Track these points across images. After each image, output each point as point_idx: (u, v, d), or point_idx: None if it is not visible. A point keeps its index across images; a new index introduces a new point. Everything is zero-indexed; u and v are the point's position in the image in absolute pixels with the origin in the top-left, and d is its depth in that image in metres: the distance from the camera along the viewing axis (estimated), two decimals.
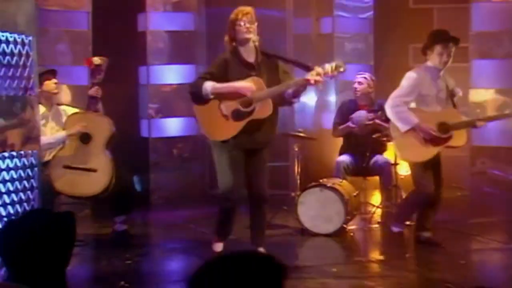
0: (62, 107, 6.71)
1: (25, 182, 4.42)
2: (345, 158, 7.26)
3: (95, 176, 6.28)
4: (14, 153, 4.29)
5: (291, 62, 6.07)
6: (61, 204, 6.71)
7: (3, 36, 4.15)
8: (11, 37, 4.30)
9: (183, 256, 6.40)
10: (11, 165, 4.24)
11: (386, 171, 7.19)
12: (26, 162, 4.37)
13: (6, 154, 4.21)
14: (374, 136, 7.00)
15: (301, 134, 7.12)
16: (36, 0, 7.96)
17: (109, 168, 6.28)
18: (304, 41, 9.07)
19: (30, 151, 4.48)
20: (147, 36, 8.50)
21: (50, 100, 6.56)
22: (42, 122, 6.25)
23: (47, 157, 6.20)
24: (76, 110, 6.62)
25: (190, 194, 8.60)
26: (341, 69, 5.41)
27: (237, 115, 5.62)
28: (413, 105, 6.22)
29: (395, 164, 7.30)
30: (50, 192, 6.06)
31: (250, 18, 5.66)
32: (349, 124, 7.18)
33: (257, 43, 5.68)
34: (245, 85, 5.56)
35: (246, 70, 5.65)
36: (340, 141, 7.51)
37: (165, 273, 5.89)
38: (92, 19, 8.34)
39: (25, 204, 4.41)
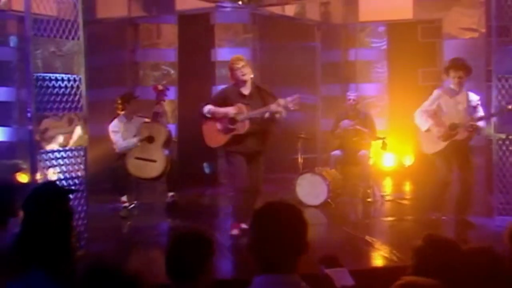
0: (139, 118, 8.61)
1: (74, 166, 6.40)
2: (336, 152, 9.37)
3: (155, 165, 8.21)
4: (67, 148, 6.34)
5: (265, 91, 7.10)
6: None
7: (64, 76, 6.35)
8: (66, 77, 6.36)
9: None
10: (64, 155, 6.31)
11: (364, 162, 9.09)
12: (76, 154, 6.44)
13: (61, 149, 6.25)
14: (354, 139, 9.07)
15: (302, 136, 9.12)
16: (138, 41, 10.64)
17: (164, 160, 8.21)
18: (331, 67, 11.16)
19: (78, 146, 6.46)
20: (216, 65, 10.86)
21: (131, 113, 8.54)
22: (124, 128, 8.44)
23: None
24: (147, 120, 8.44)
25: None
26: (293, 107, 6.75)
27: (225, 130, 6.98)
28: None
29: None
30: (125, 174, 8.25)
31: (243, 64, 6.92)
32: (338, 129, 9.28)
33: (252, 77, 7.02)
34: (229, 109, 6.89)
35: (241, 99, 6.91)
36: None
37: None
38: (178, 54, 10.83)
39: (75, 179, 6.45)
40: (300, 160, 9.07)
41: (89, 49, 10.29)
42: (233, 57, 7.14)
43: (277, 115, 6.82)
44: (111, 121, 8.65)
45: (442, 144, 7.40)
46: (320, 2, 10.50)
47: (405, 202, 9.05)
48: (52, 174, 6.22)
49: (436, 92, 7.61)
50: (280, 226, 2.77)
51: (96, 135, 8.94)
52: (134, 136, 8.38)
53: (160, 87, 8.47)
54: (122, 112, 8.60)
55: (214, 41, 10.86)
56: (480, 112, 7.47)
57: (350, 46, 11.33)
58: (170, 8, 9.67)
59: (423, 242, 3.39)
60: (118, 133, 8.53)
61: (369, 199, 8.73)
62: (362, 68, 11.28)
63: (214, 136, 7.10)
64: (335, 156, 9.32)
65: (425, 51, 10.81)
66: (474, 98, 7.47)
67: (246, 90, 6.99)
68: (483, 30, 9.41)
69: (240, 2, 8.74)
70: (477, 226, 7.34)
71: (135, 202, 8.66)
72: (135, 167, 8.28)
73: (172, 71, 10.79)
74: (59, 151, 6.34)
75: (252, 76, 7.06)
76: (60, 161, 6.37)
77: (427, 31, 10.95)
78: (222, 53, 10.83)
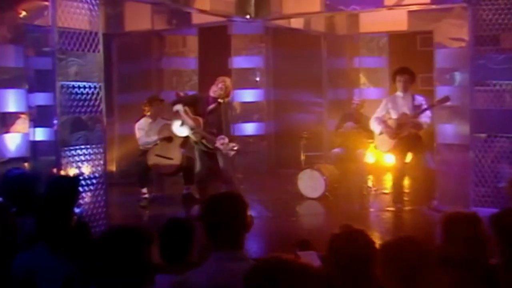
0: (162, 119, 9.39)
1: (95, 161, 7.23)
2: (337, 150, 10.16)
3: (172, 162, 9.09)
4: (88, 146, 7.23)
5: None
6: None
7: (86, 84, 7.22)
8: (88, 84, 7.24)
9: None
10: (86, 152, 7.18)
11: (360, 159, 9.75)
12: (96, 151, 7.28)
13: (82, 147, 7.16)
14: (353, 138, 9.85)
15: (305, 135, 9.92)
16: (163, 50, 11.58)
17: (180, 158, 9.07)
18: (337, 73, 11.99)
19: (98, 145, 7.33)
20: (233, 71, 11.75)
21: (155, 115, 9.46)
22: (148, 127, 9.29)
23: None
24: (168, 122, 9.10)
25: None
26: (235, 148, 7.92)
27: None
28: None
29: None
30: (146, 169, 9.16)
31: (222, 85, 8.07)
32: (342, 128, 10.09)
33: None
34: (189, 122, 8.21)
35: (202, 111, 8.15)
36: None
37: None
38: (198, 62, 11.82)
39: (95, 173, 7.25)
40: (302, 157, 9.87)
41: (119, 58, 11.42)
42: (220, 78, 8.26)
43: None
44: (138, 120, 9.54)
45: (392, 142, 8.46)
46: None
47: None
48: (73, 169, 7.14)
49: (384, 100, 8.79)
50: (225, 211, 3.27)
51: (125, 134, 9.92)
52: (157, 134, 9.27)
53: (181, 93, 9.19)
54: (148, 113, 9.48)
55: (231, 50, 11.78)
56: (426, 112, 8.40)
57: (354, 54, 12.11)
58: (188, 21, 10.56)
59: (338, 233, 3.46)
60: (142, 130, 9.40)
61: (363, 193, 9.45)
62: (365, 74, 12.05)
63: None
64: (336, 153, 10.11)
65: (424, 59, 11.40)
66: (419, 99, 8.51)
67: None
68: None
69: (248, 17, 9.53)
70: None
71: (154, 193, 9.55)
72: (155, 163, 9.15)
73: (194, 77, 11.71)
74: (80, 148, 7.27)
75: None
76: (82, 157, 7.29)
77: (425, 41, 11.59)
78: (238, 61, 11.76)
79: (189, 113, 8.11)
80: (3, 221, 4.23)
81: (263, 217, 8.50)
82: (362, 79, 11.94)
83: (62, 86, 7.09)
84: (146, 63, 11.87)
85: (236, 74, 11.74)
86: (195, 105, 8.11)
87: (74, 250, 3.96)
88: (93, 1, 7.35)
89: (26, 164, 9.24)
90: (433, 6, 8.98)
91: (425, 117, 8.45)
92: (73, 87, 7.20)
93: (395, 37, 11.94)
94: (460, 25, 9.81)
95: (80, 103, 7.22)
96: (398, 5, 8.92)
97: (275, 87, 11.97)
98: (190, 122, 8.11)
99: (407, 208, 8.73)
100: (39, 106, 9.97)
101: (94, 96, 7.36)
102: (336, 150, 10.19)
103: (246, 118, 11.88)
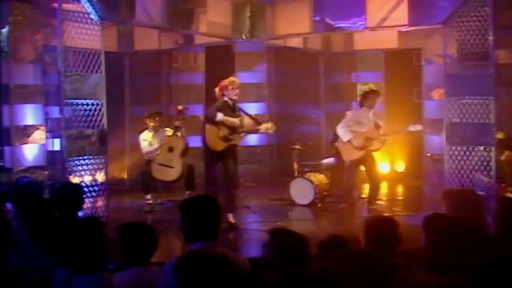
0: (164, 130, 10.13)
1: (97, 171, 8.12)
2: (330, 160, 10.79)
3: (173, 170, 9.76)
4: (91, 157, 8.07)
5: (249, 116, 8.61)
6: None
7: (88, 101, 8.06)
8: (90, 102, 8.00)
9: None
10: (88, 162, 8.04)
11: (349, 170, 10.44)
12: (98, 161, 8.14)
13: (86, 157, 7.99)
14: None
15: (297, 147, 10.62)
16: (172, 66, 12.40)
17: (181, 167, 9.69)
18: (336, 87, 12.66)
19: (100, 156, 8.11)
20: None
21: (157, 126, 10.12)
22: (151, 139, 10.03)
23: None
24: (169, 132, 9.91)
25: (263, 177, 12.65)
26: (271, 131, 8.50)
27: (225, 139, 8.32)
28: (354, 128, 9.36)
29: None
30: (149, 177, 9.89)
31: (237, 86, 8.42)
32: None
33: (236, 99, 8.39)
34: (236, 121, 8.35)
35: (231, 113, 8.35)
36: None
37: None
38: (205, 77, 12.59)
39: (97, 181, 8.13)
40: (295, 166, 10.59)
41: (131, 74, 12.30)
42: (231, 79, 8.57)
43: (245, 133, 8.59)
44: (142, 131, 10.33)
45: (358, 153, 9.22)
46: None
47: (381, 202, 10.32)
48: (75, 178, 7.97)
49: (351, 113, 9.60)
50: (200, 211, 4.04)
51: (136, 144, 10.69)
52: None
53: (179, 107, 9.95)
54: (151, 125, 10.25)
55: (235, 66, 12.53)
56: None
57: (352, 69, 12.82)
58: (192, 41, 11.41)
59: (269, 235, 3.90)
60: (145, 141, 10.18)
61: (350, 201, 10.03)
62: (362, 88, 12.70)
63: (216, 142, 8.34)
64: (328, 163, 10.79)
65: (418, 73, 11.99)
66: (376, 117, 9.40)
67: (234, 108, 8.50)
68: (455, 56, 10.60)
69: (244, 37, 10.32)
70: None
71: (160, 200, 10.34)
72: (158, 171, 9.91)
73: (201, 92, 12.48)
74: (84, 159, 8.12)
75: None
76: (85, 167, 8.13)
77: (420, 56, 12.17)
78: (243, 76, 12.46)
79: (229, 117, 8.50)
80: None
81: (252, 221, 9.24)
82: (360, 93, 12.54)
83: (66, 103, 7.93)
84: (156, 78, 12.75)
85: (240, 88, 12.37)
86: (224, 110, 8.38)
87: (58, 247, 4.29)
88: (97, 23, 8.15)
89: (45, 172, 10.06)
90: (411, 28, 9.59)
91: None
92: (77, 104, 8.04)
93: (391, 53, 12.57)
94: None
95: (84, 119, 8.08)
96: (379, 26, 9.60)
97: (277, 101, 12.71)
98: (237, 122, 8.45)
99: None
100: (57, 119, 10.83)
101: (97, 112, 8.20)
102: (329, 159, 10.80)
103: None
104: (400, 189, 12.01)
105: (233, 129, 8.38)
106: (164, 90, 12.69)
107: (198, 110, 12.07)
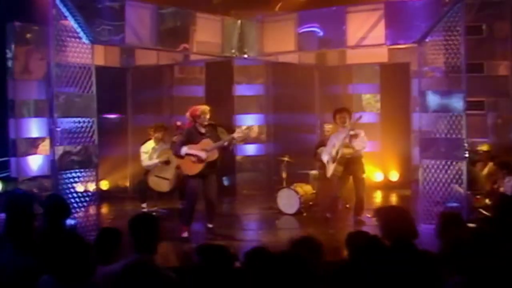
0: (165, 145, 10.52)
1: (88, 182, 8.71)
2: (315, 171, 11.33)
3: (168, 182, 10.44)
4: (77, 171, 8.61)
5: (221, 126, 9.09)
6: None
7: (80, 119, 8.66)
8: (83, 120, 8.62)
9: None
10: (80, 175, 8.60)
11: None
12: (89, 173, 8.69)
13: (77, 170, 8.55)
14: None
15: (286, 159, 11.13)
16: (173, 79, 13.02)
17: (175, 179, 10.33)
18: (331, 99, 13.12)
19: (91, 169, 8.73)
20: (235, 98, 13.04)
21: (159, 140, 10.64)
22: (151, 151, 10.53)
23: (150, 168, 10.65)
24: (167, 147, 10.32)
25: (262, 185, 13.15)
26: (253, 134, 9.09)
27: (199, 161, 8.68)
28: None
29: None
30: (146, 187, 10.47)
31: (208, 114, 8.74)
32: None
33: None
34: (200, 152, 8.62)
35: (200, 136, 8.72)
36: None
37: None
38: (205, 89, 13.20)
39: (88, 192, 8.73)
40: (284, 176, 11.10)
41: (133, 87, 12.97)
42: (203, 109, 8.88)
43: (233, 142, 8.96)
44: (144, 143, 10.85)
45: (200, 166, 8.76)
46: None
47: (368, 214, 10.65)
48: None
49: (331, 137, 10.05)
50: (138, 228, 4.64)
51: (139, 154, 11.26)
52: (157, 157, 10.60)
53: (178, 123, 10.28)
54: (156, 135, 10.71)
55: (233, 80, 13.04)
56: (359, 141, 9.62)
57: (348, 82, 13.33)
58: (187, 57, 12.07)
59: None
60: (146, 154, 10.71)
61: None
62: (358, 99, 13.20)
63: (191, 167, 8.80)
64: (313, 174, 11.30)
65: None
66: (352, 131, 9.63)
67: (202, 129, 8.87)
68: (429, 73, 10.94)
69: (233, 51, 10.91)
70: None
71: (156, 208, 10.82)
72: (154, 182, 10.56)
73: (200, 104, 13.04)
74: (75, 171, 8.77)
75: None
76: (76, 179, 8.78)
77: None
78: (241, 89, 13.11)
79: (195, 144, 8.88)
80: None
81: (235, 228, 9.83)
82: (355, 104, 13.03)
83: (60, 121, 8.53)
84: (158, 90, 13.39)
85: (239, 100, 13.04)
86: (191, 136, 8.85)
87: (38, 249, 4.62)
88: (87, 42, 8.73)
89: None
90: (388, 46, 10.02)
91: (356, 142, 9.63)
92: (68, 122, 8.66)
93: (386, 66, 13.01)
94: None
95: (75, 135, 8.70)
96: (358, 45, 10.05)
97: (274, 112, 13.24)
98: (202, 153, 8.73)
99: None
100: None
101: (88, 129, 8.82)
102: (315, 171, 11.29)
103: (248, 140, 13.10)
104: (393, 198, 12.37)
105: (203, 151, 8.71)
106: (166, 102, 13.33)
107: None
